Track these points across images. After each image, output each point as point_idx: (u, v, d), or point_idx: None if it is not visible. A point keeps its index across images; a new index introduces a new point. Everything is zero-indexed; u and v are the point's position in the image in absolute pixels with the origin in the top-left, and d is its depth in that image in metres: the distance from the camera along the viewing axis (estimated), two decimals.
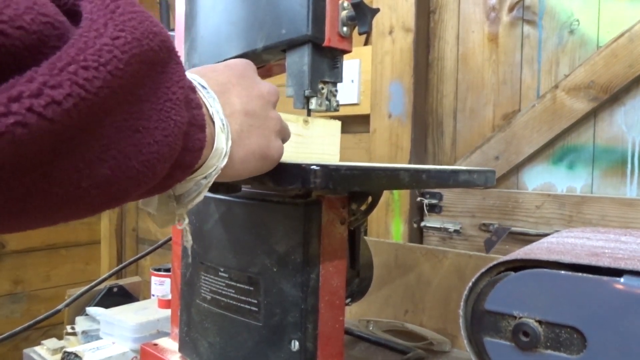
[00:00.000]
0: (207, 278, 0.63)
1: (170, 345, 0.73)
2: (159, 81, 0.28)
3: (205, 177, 0.36)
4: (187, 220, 0.41)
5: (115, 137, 0.26)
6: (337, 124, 0.68)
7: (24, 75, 0.21)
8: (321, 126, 0.66)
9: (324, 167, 0.45)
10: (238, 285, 0.59)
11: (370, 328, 0.89)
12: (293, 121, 0.60)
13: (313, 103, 0.64)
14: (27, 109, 0.20)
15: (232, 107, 0.39)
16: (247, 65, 0.43)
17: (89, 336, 1.03)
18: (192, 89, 0.33)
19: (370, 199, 0.61)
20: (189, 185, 0.37)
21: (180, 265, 0.68)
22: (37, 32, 0.21)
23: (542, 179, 0.93)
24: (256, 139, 0.40)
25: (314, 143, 0.65)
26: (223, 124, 0.36)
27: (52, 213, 0.25)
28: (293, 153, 0.60)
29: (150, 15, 0.27)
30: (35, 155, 0.22)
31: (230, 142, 0.37)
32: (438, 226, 1.02)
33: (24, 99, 0.20)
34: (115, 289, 1.29)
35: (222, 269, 0.61)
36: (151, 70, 0.27)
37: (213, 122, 0.36)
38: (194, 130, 0.32)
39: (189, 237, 0.42)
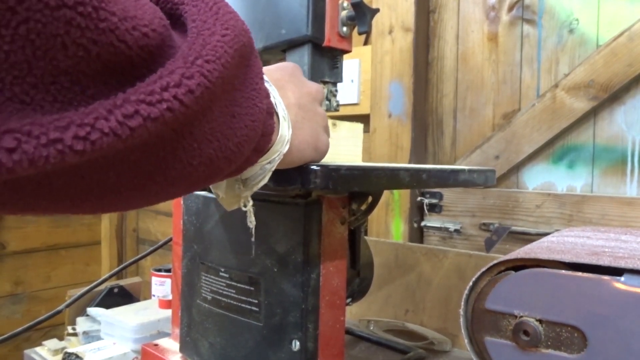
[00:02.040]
0: (207, 278, 0.63)
1: (171, 345, 0.73)
2: (246, 72, 0.32)
3: (269, 162, 0.39)
4: (251, 202, 0.44)
5: (219, 121, 0.29)
6: (360, 126, 0.70)
7: (165, 67, 0.24)
8: (347, 129, 0.68)
9: (324, 167, 0.45)
10: (239, 285, 0.59)
11: (371, 328, 0.89)
12: None
13: None
14: (174, 97, 0.24)
15: (288, 100, 0.42)
16: (295, 66, 0.48)
17: (90, 337, 1.03)
18: (264, 80, 0.36)
19: (370, 198, 0.61)
20: (255, 170, 0.39)
21: (181, 266, 0.68)
22: (162, 34, 0.25)
23: (542, 178, 0.93)
24: (308, 130, 0.44)
25: (340, 145, 0.66)
26: (285, 113, 0.40)
27: (166, 189, 0.29)
28: None
29: (238, 14, 0.31)
30: (168, 136, 0.26)
31: (291, 130, 0.40)
32: (438, 226, 1.02)
33: (171, 88, 0.24)
34: (115, 290, 1.29)
35: (222, 269, 0.61)
36: (242, 63, 0.31)
37: (276, 111, 0.39)
38: (266, 117, 0.35)
39: (252, 218, 0.46)
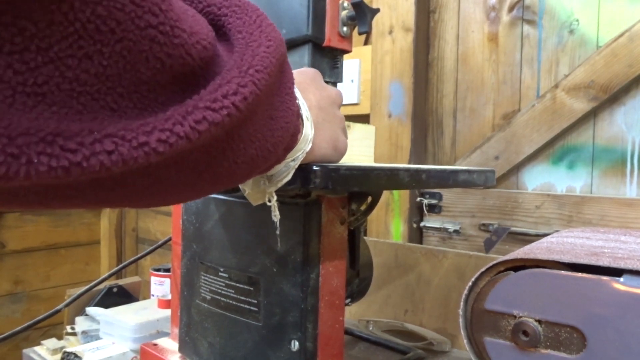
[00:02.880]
0: (207, 278, 0.63)
1: (170, 345, 0.73)
2: (281, 78, 0.34)
3: (293, 160, 0.41)
4: (275, 197, 0.46)
5: (261, 123, 0.32)
6: (373, 128, 0.71)
7: (222, 76, 0.27)
8: (360, 131, 0.68)
9: (324, 167, 0.45)
10: (238, 285, 0.59)
11: (370, 328, 0.89)
12: None
13: None
14: (232, 104, 0.27)
15: (310, 102, 0.45)
16: (316, 72, 0.50)
17: (89, 336, 1.03)
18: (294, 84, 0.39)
19: (370, 199, 0.61)
20: (280, 167, 0.41)
21: (180, 265, 0.68)
22: (213, 45, 0.28)
23: (542, 178, 0.93)
24: (328, 131, 0.46)
25: (353, 146, 0.67)
26: (308, 113, 0.42)
27: (212, 185, 0.31)
28: None
29: (275, 25, 0.34)
30: (221, 137, 0.28)
31: (313, 130, 0.43)
32: (438, 226, 1.02)
33: (230, 96, 0.27)
34: (115, 289, 1.29)
35: (222, 269, 0.61)
36: (279, 70, 0.33)
37: (300, 112, 0.41)
38: (296, 118, 0.38)
39: (277, 212, 0.48)
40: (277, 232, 0.54)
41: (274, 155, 0.35)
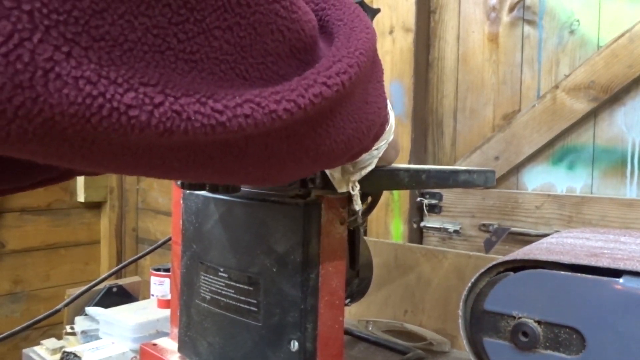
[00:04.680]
0: (206, 278, 0.63)
1: (169, 345, 0.73)
2: (372, 66, 0.36)
3: (377, 149, 0.43)
4: (358, 187, 0.48)
5: (357, 105, 0.34)
6: None
7: (333, 55, 0.30)
8: None
9: None
10: (237, 285, 0.59)
11: (370, 328, 0.89)
12: None
13: None
14: (341, 82, 0.29)
15: None
16: None
17: (89, 336, 1.03)
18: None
19: (370, 199, 0.61)
20: (365, 155, 0.43)
21: (180, 265, 0.68)
22: (317, 28, 0.30)
23: (542, 179, 0.93)
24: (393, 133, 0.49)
25: None
26: (390, 106, 0.43)
27: (313, 162, 0.33)
28: None
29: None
30: (325, 113, 0.30)
31: (394, 123, 0.44)
32: (438, 226, 1.02)
33: (341, 74, 0.29)
34: (114, 289, 1.29)
35: (221, 269, 0.61)
36: (373, 58, 0.35)
37: None
38: (386, 108, 0.40)
39: (359, 201, 0.50)
40: (359, 220, 0.55)
41: (366, 139, 0.37)
